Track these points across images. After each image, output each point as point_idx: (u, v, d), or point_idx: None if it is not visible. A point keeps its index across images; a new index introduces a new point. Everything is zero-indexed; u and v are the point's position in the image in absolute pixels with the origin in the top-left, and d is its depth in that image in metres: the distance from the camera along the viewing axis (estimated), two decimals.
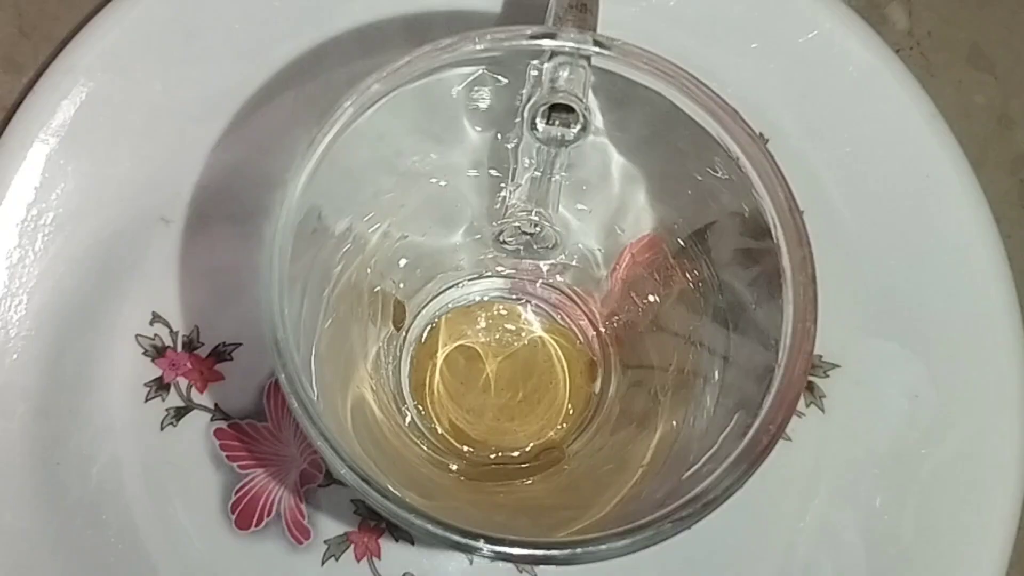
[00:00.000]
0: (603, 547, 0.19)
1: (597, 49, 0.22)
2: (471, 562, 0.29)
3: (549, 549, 0.19)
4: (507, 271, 0.30)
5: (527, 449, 0.29)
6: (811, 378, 0.30)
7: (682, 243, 0.26)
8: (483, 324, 0.30)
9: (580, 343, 0.30)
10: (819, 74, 0.31)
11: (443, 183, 0.26)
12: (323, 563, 0.29)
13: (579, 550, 0.19)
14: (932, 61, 0.33)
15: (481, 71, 0.24)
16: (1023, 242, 0.32)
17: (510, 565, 0.29)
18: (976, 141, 0.32)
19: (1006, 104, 0.34)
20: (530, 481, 0.28)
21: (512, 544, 0.19)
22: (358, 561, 0.29)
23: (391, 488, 0.20)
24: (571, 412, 0.30)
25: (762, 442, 0.20)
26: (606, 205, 0.27)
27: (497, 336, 0.30)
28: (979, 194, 0.31)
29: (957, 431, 0.30)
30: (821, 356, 0.30)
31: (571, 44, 0.22)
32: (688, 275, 0.26)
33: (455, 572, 0.29)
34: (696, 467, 0.22)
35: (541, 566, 0.28)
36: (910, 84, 0.31)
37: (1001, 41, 0.34)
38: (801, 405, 0.30)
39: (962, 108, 0.33)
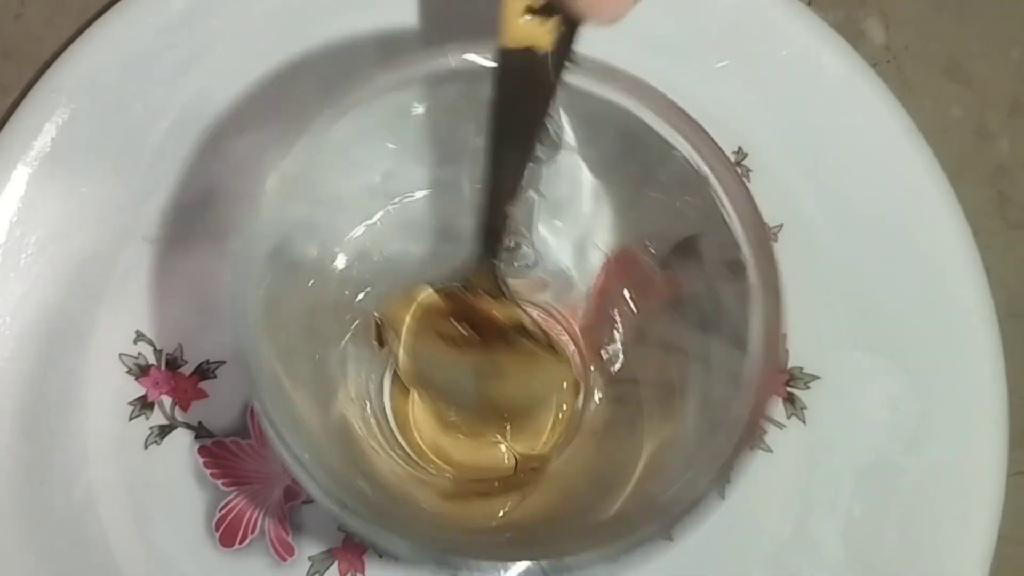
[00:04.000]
0: (571, 559, 0.19)
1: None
2: None
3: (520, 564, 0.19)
4: None
5: (508, 466, 0.29)
6: (792, 390, 0.31)
7: (656, 259, 0.26)
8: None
9: (561, 360, 0.30)
10: (797, 89, 0.32)
11: (420, 201, 0.27)
12: None
13: (546, 564, 0.19)
14: (909, 75, 0.34)
15: (453, 88, 0.24)
16: (1001, 253, 0.33)
17: None
18: (954, 153, 0.32)
19: (983, 116, 0.34)
20: (511, 499, 0.28)
21: (486, 559, 0.20)
22: None
23: (367, 510, 0.20)
24: (554, 429, 0.30)
25: (730, 456, 0.21)
26: (581, 221, 0.27)
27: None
28: (957, 206, 0.31)
29: (937, 441, 0.30)
30: (802, 368, 0.31)
31: None
32: (663, 290, 0.26)
33: None
34: (667, 484, 0.22)
35: None
36: (887, 98, 0.31)
37: (978, 54, 0.34)
38: (783, 417, 0.30)
39: (940, 121, 0.33)
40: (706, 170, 0.22)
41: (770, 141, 0.31)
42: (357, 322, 0.28)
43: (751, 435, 0.20)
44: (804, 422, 0.30)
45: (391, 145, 0.23)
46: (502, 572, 0.20)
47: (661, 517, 0.20)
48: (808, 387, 0.31)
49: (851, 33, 0.33)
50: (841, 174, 0.31)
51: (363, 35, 0.31)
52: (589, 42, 0.25)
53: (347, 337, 0.28)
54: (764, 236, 0.21)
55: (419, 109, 0.24)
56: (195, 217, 0.30)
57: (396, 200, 0.26)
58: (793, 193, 0.31)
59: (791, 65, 0.32)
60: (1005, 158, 0.34)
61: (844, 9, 0.34)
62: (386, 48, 0.31)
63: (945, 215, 0.31)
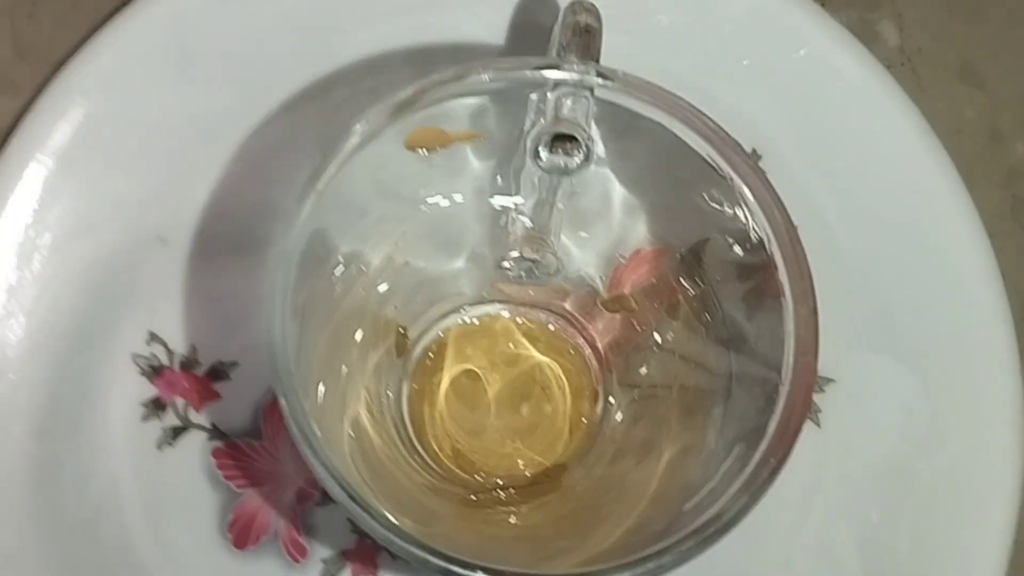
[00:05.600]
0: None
1: (600, 80, 0.23)
2: None
3: None
4: (508, 296, 0.30)
5: (527, 475, 0.29)
6: None
7: (682, 269, 0.26)
8: (484, 348, 0.30)
9: (582, 367, 0.30)
10: (811, 91, 0.31)
11: (446, 210, 0.26)
12: None
13: None
14: (923, 77, 0.34)
15: (485, 100, 0.24)
16: (1016, 256, 0.33)
17: None
18: (968, 156, 0.32)
19: (997, 119, 0.34)
20: (529, 509, 0.28)
21: (505, 568, 0.19)
22: None
23: (391, 517, 0.20)
24: (572, 436, 0.30)
25: (763, 475, 0.20)
26: (607, 233, 0.27)
27: (498, 360, 0.30)
28: (971, 209, 0.31)
29: (952, 444, 0.30)
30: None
31: (574, 76, 0.22)
32: (688, 302, 0.26)
33: None
34: (697, 499, 0.22)
35: None
36: (901, 100, 0.31)
37: (992, 56, 0.34)
38: None
39: (954, 123, 0.33)
40: (742, 186, 0.22)
41: (784, 142, 0.31)
42: (378, 329, 0.28)
43: (784, 460, 0.20)
44: (819, 425, 0.30)
45: (421, 151, 0.23)
46: None
47: (689, 540, 0.20)
48: (823, 390, 0.30)
49: (865, 35, 0.33)
50: (855, 176, 0.31)
51: (394, 46, 0.30)
52: (607, 45, 0.25)
53: (368, 343, 0.28)
54: (801, 255, 0.21)
55: (452, 123, 0.24)
56: (211, 219, 0.30)
57: (424, 208, 0.26)
58: (807, 194, 0.31)
59: (805, 67, 0.31)
60: (1019, 161, 0.34)
61: (857, 11, 0.34)
62: (418, 61, 0.30)
63: (959, 217, 0.31)
